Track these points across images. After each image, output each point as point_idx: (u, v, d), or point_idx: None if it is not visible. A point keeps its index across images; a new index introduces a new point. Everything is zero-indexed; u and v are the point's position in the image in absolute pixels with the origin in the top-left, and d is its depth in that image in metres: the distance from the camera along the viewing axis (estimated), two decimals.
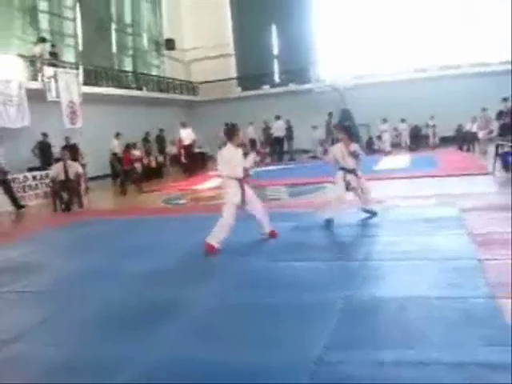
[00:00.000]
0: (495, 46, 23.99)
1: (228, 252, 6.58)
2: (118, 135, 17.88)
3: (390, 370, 3.17)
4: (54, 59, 18.09)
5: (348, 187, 7.79)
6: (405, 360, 3.27)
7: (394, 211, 8.16)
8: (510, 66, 22.23)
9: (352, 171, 7.78)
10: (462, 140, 20.45)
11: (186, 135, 19.01)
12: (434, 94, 22.97)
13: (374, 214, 7.86)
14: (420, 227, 7.04)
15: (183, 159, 19.18)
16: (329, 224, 7.54)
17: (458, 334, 3.59)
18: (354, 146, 7.83)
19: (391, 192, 8.39)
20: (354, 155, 7.74)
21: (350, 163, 7.77)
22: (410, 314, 4.05)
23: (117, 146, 17.28)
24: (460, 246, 5.96)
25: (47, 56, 17.75)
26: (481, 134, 17.73)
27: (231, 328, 4.11)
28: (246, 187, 6.91)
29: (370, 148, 22.63)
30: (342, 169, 7.82)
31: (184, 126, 19.38)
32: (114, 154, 17.29)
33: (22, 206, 13.12)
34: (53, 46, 18.72)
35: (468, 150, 19.69)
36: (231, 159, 6.75)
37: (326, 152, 21.00)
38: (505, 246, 5.68)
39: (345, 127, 8.33)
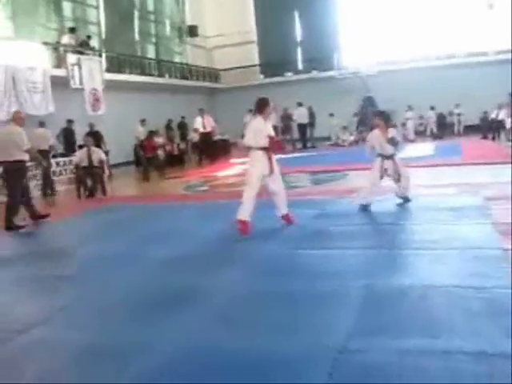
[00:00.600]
0: None
1: (249, 239, 6.60)
2: (143, 122, 17.88)
3: (412, 358, 3.15)
4: (85, 48, 18.21)
5: (385, 174, 7.76)
6: (427, 349, 3.25)
7: (418, 200, 8.07)
8: None
9: (390, 157, 7.74)
10: (488, 128, 20.15)
11: (207, 122, 18.98)
12: (458, 81, 22.65)
13: (408, 200, 7.82)
14: (443, 216, 6.97)
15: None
16: (365, 209, 7.57)
17: (481, 324, 3.55)
18: (392, 132, 7.80)
19: (415, 180, 8.29)
20: (393, 142, 7.69)
21: (388, 149, 7.72)
22: (433, 302, 4.01)
23: (142, 133, 17.33)
24: (484, 235, 5.89)
25: (75, 45, 17.87)
26: (508, 122, 16.93)
27: (252, 316, 4.12)
28: (274, 159, 6.92)
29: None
30: (380, 155, 7.77)
31: (202, 112, 19.31)
32: (140, 141, 17.32)
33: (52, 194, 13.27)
34: (88, 37, 18.89)
35: (493, 138, 19.40)
36: (260, 131, 6.78)
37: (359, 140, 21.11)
38: None
39: (382, 113, 8.23)
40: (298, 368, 3.16)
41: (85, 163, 12.41)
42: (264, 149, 6.81)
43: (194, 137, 21.76)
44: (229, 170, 15.60)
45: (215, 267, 5.50)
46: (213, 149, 19.58)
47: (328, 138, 23.74)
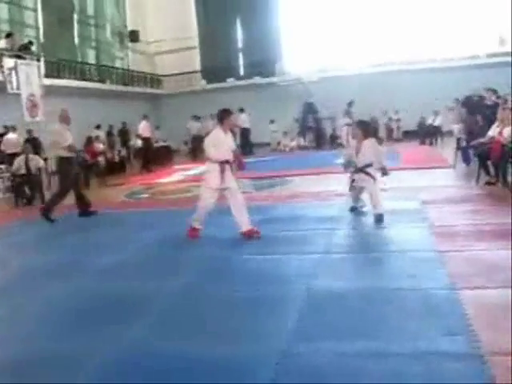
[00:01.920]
0: (458, 40, 24.35)
1: (193, 245, 6.60)
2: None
3: (352, 360, 3.21)
4: (25, 53, 17.72)
5: (351, 185, 7.49)
6: (366, 351, 3.32)
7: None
8: (471, 61, 22.79)
9: (360, 170, 7.31)
10: (425, 134, 20.73)
11: (144, 128, 18.80)
12: (396, 87, 23.22)
13: (379, 219, 7.01)
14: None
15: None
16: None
17: (418, 325, 3.66)
18: (369, 144, 7.33)
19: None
20: (384, 171, 7.40)
21: (359, 162, 7.31)
22: (372, 305, 4.11)
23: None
24: (421, 237, 6.09)
25: (15, 50, 17.38)
26: (456, 130, 14.99)
27: (195, 322, 4.10)
28: (228, 172, 6.75)
29: (334, 141, 22.83)
30: (353, 166, 7.44)
31: (144, 118, 19.13)
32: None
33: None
34: (30, 42, 18.40)
35: (431, 143, 19.98)
36: (220, 143, 6.66)
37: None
38: (464, 238, 5.83)
39: (364, 123, 7.77)
40: (241, 373, 3.18)
41: (22, 171, 12.08)
42: (222, 162, 6.68)
43: (137, 143, 21.52)
44: (170, 177, 15.49)
45: (158, 274, 5.46)
46: (156, 155, 19.42)
47: (268, 144, 23.98)
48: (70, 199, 9.65)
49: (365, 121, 7.95)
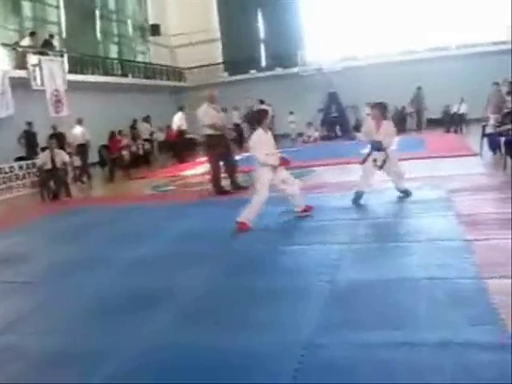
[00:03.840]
0: (484, 26, 23.93)
1: (218, 238, 6.60)
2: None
3: (376, 351, 3.19)
4: (48, 48, 17.92)
5: (374, 165, 7.64)
6: (392, 341, 3.29)
7: (381, 194, 8.17)
8: (499, 47, 22.37)
9: (381, 149, 7.56)
10: (450, 122, 20.47)
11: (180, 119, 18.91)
12: (421, 75, 22.92)
13: (408, 194, 7.69)
14: (407, 209, 7.07)
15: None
16: (356, 201, 7.62)
17: (445, 315, 3.61)
18: (388, 124, 7.73)
19: (378, 174, 8.39)
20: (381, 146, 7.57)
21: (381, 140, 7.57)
22: (397, 295, 4.07)
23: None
24: (447, 227, 5.99)
25: (38, 47, 17.57)
26: (492, 119, 13.59)
27: (219, 313, 4.12)
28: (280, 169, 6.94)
29: (358, 130, 22.64)
30: (372, 146, 7.68)
31: (180, 109, 19.22)
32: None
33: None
34: (51, 36, 18.60)
35: (456, 131, 19.72)
36: (265, 143, 6.82)
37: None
38: (491, 227, 5.73)
39: (379, 104, 7.94)
40: (264, 364, 3.18)
41: (48, 166, 12.24)
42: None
43: (160, 136, 21.63)
44: (195, 169, 15.53)
45: (183, 266, 5.48)
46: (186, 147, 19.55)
47: (287, 135, 23.85)
48: (96, 191, 9.73)
49: (382, 102, 8.05)
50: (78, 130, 15.94)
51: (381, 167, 7.63)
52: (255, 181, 7.01)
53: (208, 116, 9.81)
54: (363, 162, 7.75)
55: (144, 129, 21.08)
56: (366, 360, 3.11)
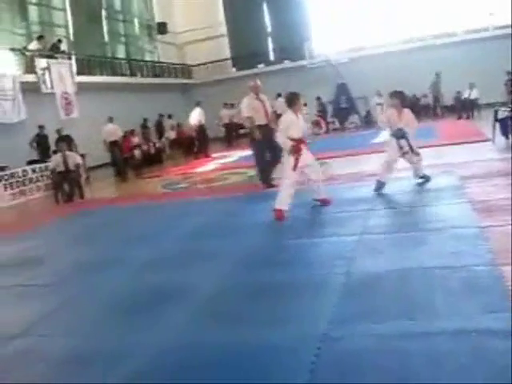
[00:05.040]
0: (488, 10, 23.67)
1: (232, 233, 6.63)
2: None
3: (393, 342, 3.19)
4: (56, 52, 18.02)
5: (401, 152, 7.79)
6: (408, 331, 3.30)
7: (393, 183, 8.14)
8: (505, 31, 22.11)
9: (403, 136, 7.74)
10: (462, 108, 20.31)
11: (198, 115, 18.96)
12: (430, 62, 22.75)
13: (428, 179, 7.86)
14: (420, 197, 7.05)
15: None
16: (379, 188, 7.73)
17: (461, 303, 3.61)
18: (408, 114, 7.86)
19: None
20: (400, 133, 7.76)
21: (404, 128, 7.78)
22: (413, 285, 4.06)
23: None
24: (461, 214, 5.97)
25: (46, 51, 17.67)
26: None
27: (235, 309, 4.14)
28: (305, 151, 7.13)
29: (368, 121, 22.56)
30: (394, 135, 7.83)
31: (198, 105, 19.27)
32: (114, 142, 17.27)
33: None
34: (59, 40, 18.70)
35: (468, 117, 19.56)
36: (294, 124, 7.04)
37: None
38: (506, 213, 5.68)
39: (399, 93, 8.05)
40: (282, 358, 3.19)
41: (61, 168, 12.32)
42: (297, 141, 7.02)
43: (171, 134, 21.69)
44: (207, 166, 15.57)
45: (198, 263, 5.50)
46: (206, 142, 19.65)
47: None
48: (109, 192, 9.76)
49: (401, 91, 8.12)
50: (110, 127, 16.41)
51: (405, 154, 7.76)
52: (283, 166, 7.23)
53: (247, 108, 9.66)
54: (402, 152, 7.80)
55: (169, 125, 21.91)
56: (383, 351, 3.11)
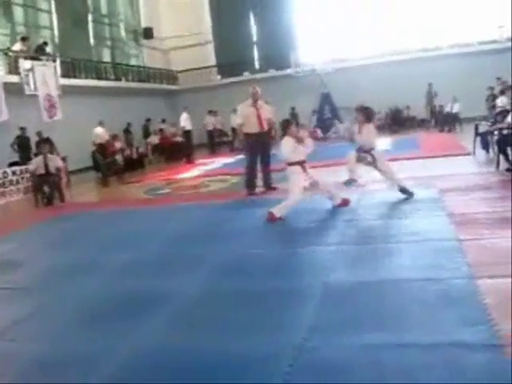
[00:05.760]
0: (474, 26, 23.99)
1: (212, 240, 6.61)
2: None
3: (368, 353, 3.19)
4: (41, 54, 17.91)
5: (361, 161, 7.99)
6: (383, 343, 3.30)
7: (373, 194, 8.19)
8: (491, 46, 22.44)
9: (367, 151, 7.91)
10: (443, 121, 20.50)
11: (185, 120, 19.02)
12: (413, 75, 22.98)
13: (404, 191, 7.79)
14: (399, 209, 7.09)
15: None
16: (350, 182, 8.07)
17: (437, 316, 3.62)
18: (367, 129, 7.97)
19: (371, 175, 8.42)
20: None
21: (362, 142, 7.97)
22: (389, 296, 4.08)
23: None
24: (440, 227, 6.00)
25: (31, 52, 17.55)
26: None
27: (212, 316, 4.12)
28: (310, 170, 7.46)
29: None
30: (358, 149, 8.02)
31: (185, 110, 19.36)
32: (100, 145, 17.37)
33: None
34: (45, 43, 18.59)
35: (449, 130, 19.75)
36: (290, 150, 7.29)
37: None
38: (484, 226, 5.75)
39: (365, 109, 8.23)
40: (257, 367, 3.19)
41: (41, 171, 12.21)
42: (300, 163, 7.31)
43: (154, 139, 21.64)
44: (189, 172, 15.53)
45: (176, 270, 5.49)
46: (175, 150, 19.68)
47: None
48: (90, 196, 9.66)
49: (366, 107, 8.33)
50: (99, 130, 17.52)
51: (370, 164, 7.94)
52: (288, 180, 7.47)
53: (241, 115, 9.70)
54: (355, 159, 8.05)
55: (173, 131, 22.10)
56: (358, 361, 3.12)
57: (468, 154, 11.97)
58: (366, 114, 8.11)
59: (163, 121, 23.02)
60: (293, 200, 7.21)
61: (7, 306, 5.10)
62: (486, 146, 11.45)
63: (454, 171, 9.68)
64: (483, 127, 11.92)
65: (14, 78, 16.35)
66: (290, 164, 7.35)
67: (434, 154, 12.67)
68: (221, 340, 3.64)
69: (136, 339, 3.81)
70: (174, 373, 3.27)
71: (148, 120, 22.93)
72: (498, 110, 13.50)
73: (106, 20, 25.16)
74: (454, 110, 19.91)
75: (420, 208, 6.96)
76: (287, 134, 7.44)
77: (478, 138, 11.84)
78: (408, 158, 12.21)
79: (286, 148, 7.31)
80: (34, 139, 15.14)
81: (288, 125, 7.54)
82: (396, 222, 6.52)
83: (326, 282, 4.55)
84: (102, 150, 16.48)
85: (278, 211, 7.15)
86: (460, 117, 19.81)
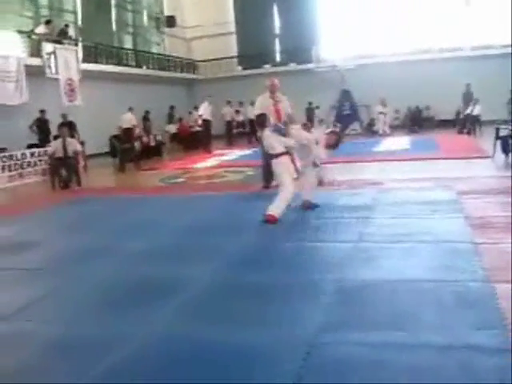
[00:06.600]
0: (496, 28, 23.70)
1: (227, 231, 6.62)
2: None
3: (380, 352, 3.18)
4: (63, 37, 17.99)
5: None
6: (396, 342, 3.28)
7: (391, 193, 8.14)
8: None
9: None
10: (463, 123, 20.31)
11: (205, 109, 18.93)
12: (435, 75, 22.80)
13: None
14: (416, 210, 7.03)
15: None
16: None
17: (450, 317, 3.60)
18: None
19: (389, 174, 8.38)
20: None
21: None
22: (403, 296, 4.05)
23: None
24: (456, 229, 5.96)
25: (53, 36, 17.63)
26: None
27: (225, 307, 4.12)
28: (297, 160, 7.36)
29: (371, 129, 22.59)
30: None
31: (207, 99, 19.23)
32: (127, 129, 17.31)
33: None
34: (66, 25, 18.66)
35: (469, 133, 19.56)
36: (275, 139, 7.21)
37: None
38: (501, 230, 5.70)
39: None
40: (269, 361, 3.17)
41: (60, 154, 12.29)
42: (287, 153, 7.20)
43: (172, 128, 21.67)
44: (206, 162, 15.56)
45: (190, 259, 5.49)
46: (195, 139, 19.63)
47: None
48: (106, 181, 9.72)
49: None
50: (127, 115, 17.12)
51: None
52: (275, 172, 7.36)
53: (258, 107, 9.46)
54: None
55: (195, 117, 21.34)
56: (369, 360, 3.10)
57: (487, 157, 11.86)
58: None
59: (195, 108, 21.93)
60: (287, 192, 6.99)
61: (22, 286, 5.13)
62: (505, 149, 11.34)
63: (472, 174, 9.59)
64: (504, 131, 11.80)
65: (36, 61, 16.45)
66: (277, 155, 7.17)
67: (453, 156, 12.57)
68: (232, 331, 3.63)
69: (146, 326, 3.82)
70: (185, 362, 3.26)
71: (172, 107, 22.87)
72: None
73: (130, 6, 25.19)
74: (475, 113, 19.69)
75: (437, 209, 6.91)
76: (264, 127, 7.46)
77: (499, 142, 11.72)
78: (426, 159, 12.14)
79: (270, 139, 7.24)
80: (56, 121, 15.18)
81: (264, 120, 7.57)
82: (414, 221, 6.46)
83: (342, 279, 4.54)
84: (128, 135, 16.49)
85: (276, 211, 6.85)
86: (480, 119, 19.61)
